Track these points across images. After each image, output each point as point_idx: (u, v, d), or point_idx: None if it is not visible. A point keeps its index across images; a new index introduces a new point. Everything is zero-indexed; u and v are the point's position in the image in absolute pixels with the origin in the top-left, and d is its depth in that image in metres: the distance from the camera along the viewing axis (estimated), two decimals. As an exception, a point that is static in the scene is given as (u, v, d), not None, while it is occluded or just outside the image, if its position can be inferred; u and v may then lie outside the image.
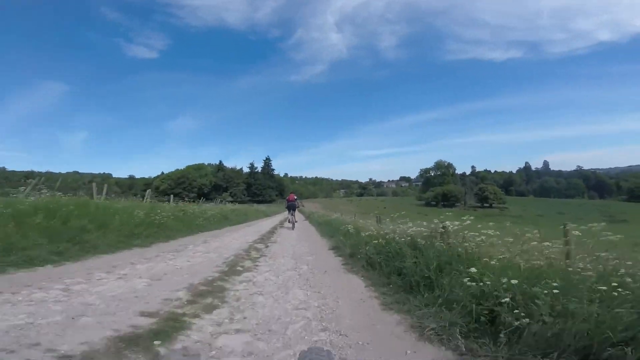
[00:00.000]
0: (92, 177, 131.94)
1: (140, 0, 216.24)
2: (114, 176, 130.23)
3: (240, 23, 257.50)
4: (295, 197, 16.03)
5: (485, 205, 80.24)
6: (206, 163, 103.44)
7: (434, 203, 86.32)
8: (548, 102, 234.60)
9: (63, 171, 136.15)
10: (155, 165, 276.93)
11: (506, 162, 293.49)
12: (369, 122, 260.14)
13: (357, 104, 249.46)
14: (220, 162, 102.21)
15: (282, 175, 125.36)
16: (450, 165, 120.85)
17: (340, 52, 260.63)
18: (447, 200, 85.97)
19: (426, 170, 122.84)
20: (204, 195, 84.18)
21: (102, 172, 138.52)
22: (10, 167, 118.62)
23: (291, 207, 15.47)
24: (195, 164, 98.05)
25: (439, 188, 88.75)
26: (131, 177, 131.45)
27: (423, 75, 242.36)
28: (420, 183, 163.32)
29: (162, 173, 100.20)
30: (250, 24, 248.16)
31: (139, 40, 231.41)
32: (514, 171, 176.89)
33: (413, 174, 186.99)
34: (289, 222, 15.84)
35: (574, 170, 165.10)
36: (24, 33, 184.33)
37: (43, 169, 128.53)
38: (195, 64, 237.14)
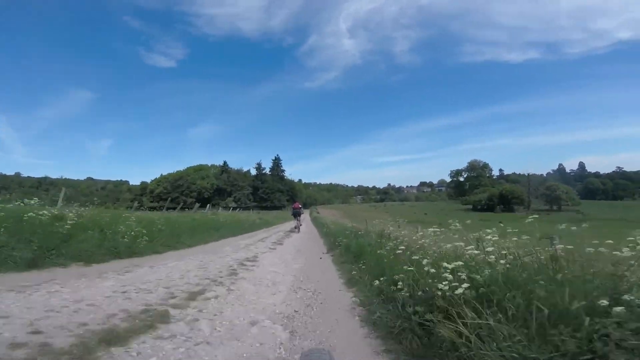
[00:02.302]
0: (105, 184, 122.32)
1: (160, 9, 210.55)
2: (130, 183, 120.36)
3: (256, 31, 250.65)
4: (300, 206, 19.87)
5: (555, 208, 64.81)
6: (209, 164, 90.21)
7: (485, 207, 71.51)
8: (571, 104, 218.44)
9: (77, 178, 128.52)
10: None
11: (531, 165, 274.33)
12: (384, 128, 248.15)
13: (372, 110, 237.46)
14: (225, 162, 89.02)
15: (295, 181, 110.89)
16: (486, 166, 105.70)
17: (354, 58, 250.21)
18: (506, 204, 71.26)
19: (458, 172, 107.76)
20: (204, 200, 71.10)
21: (118, 179, 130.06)
22: (24, 173, 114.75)
23: (296, 214, 18.68)
24: (197, 165, 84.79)
25: (492, 189, 73.38)
26: (143, 183, 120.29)
27: (438, 79, 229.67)
28: (443, 188, 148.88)
29: (161, 175, 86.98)
30: (265, 32, 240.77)
31: (158, 49, 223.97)
32: (544, 174, 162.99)
33: (434, 179, 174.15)
34: (295, 227, 18.37)
35: (614, 171, 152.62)
36: (51, 41, 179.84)
37: (57, 175, 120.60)
38: (212, 73, 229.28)
